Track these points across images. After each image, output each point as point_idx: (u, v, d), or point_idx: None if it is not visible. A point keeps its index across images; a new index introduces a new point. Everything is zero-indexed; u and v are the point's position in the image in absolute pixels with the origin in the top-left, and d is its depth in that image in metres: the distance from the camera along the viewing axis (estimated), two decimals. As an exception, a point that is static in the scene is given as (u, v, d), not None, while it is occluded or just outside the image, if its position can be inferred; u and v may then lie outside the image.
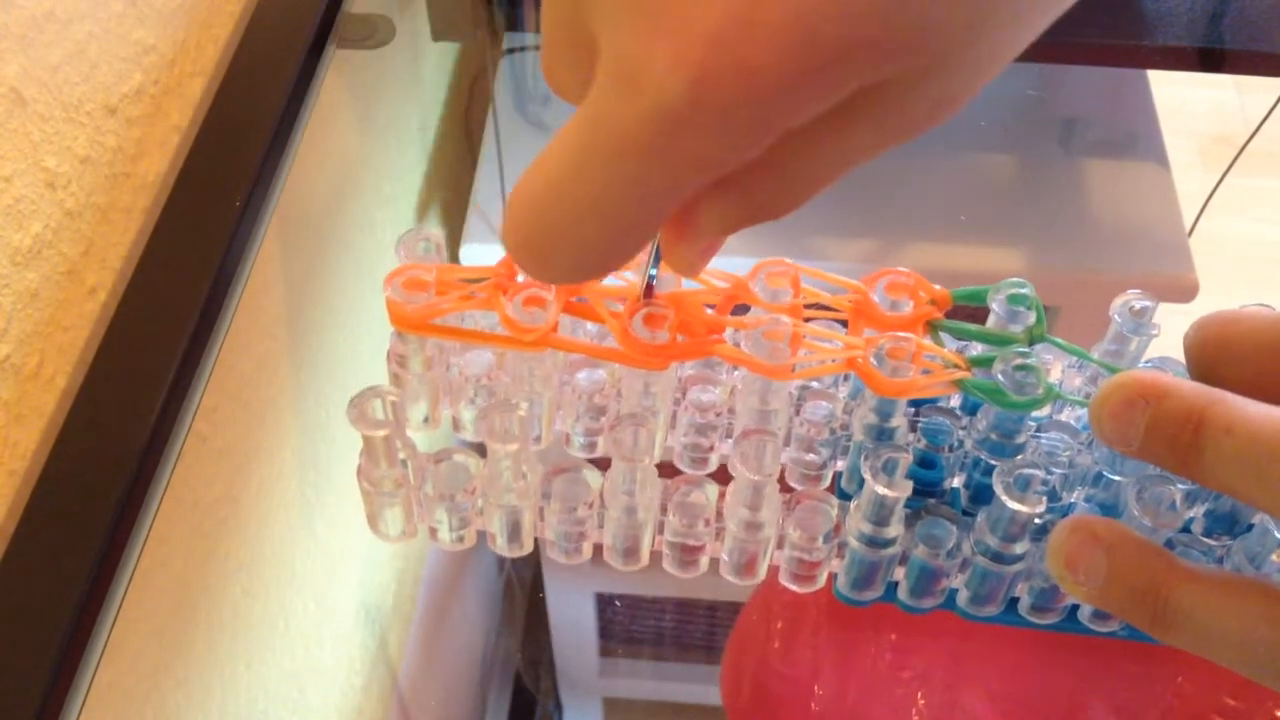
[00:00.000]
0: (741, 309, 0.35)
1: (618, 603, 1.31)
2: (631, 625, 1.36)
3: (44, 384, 0.45)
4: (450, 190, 1.02)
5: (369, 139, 0.80)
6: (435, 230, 0.36)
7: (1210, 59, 0.74)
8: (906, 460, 0.34)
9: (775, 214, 0.25)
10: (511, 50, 0.97)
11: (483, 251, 0.89)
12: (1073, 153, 0.97)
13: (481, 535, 0.38)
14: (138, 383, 0.46)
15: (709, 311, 0.34)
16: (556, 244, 0.24)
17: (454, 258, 1.02)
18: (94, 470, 0.44)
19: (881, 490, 0.34)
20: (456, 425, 0.39)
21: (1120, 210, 0.92)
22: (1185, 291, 0.88)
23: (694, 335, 0.33)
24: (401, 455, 0.35)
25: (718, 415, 0.37)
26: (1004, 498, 0.33)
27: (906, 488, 0.34)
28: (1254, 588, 0.26)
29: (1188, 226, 0.92)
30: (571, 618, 1.28)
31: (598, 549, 0.37)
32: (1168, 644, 0.27)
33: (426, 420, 0.38)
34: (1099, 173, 0.95)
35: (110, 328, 0.47)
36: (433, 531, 0.37)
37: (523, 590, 1.42)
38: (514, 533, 0.36)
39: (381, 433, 0.34)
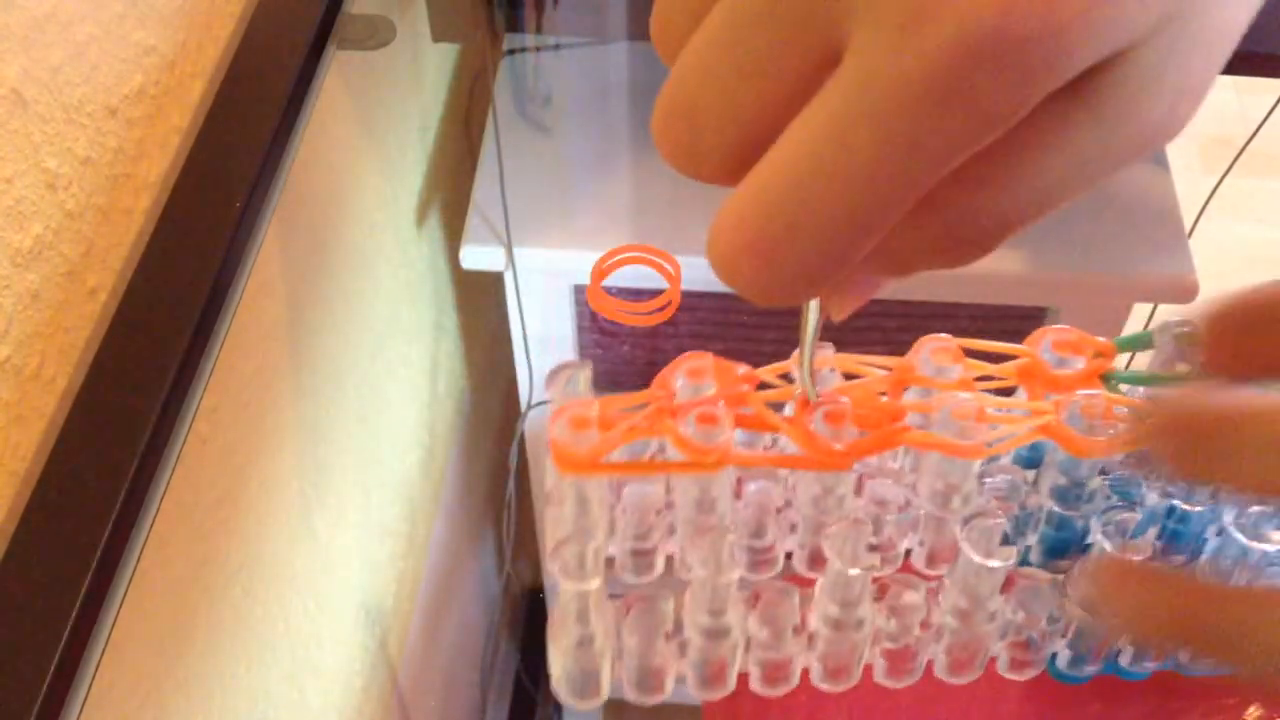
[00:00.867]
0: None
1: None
2: (631, 626, 1.36)
3: (44, 385, 0.45)
4: (450, 190, 1.02)
5: (369, 139, 0.80)
6: (584, 364, 0.33)
7: (1210, 60, 0.73)
8: (1134, 519, 0.33)
9: (966, 251, 0.22)
10: (511, 51, 0.97)
11: (483, 252, 0.89)
12: (1073, 153, 0.97)
13: None
14: (138, 383, 0.46)
15: (883, 399, 0.32)
16: (798, 234, 0.21)
17: (454, 258, 1.02)
18: (94, 470, 0.44)
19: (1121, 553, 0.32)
20: (620, 567, 0.35)
21: (1120, 210, 0.92)
22: (1185, 292, 0.88)
23: (873, 427, 0.32)
24: (599, 608, 0.33)
25: (899, 510, 0.35)
26: (1244, 539, 0.32)
27: (1146, 549, 0.32)
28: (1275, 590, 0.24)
29: (1188, 227, 0.92)
30: (571, 618, 1.28)
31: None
32: (1214, 669, 0.26)
33: (585, 566, 0.35)
34: (1099, 173, 0.95)
35: (110, 328, 0.47)
36: (629, 686, 0.34)
37: (523, 590, 1.42)
38: (718, 675, 0.34)
39: (595, 584, 0.32)
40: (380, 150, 0.83)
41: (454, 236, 1.03)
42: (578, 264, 0.89)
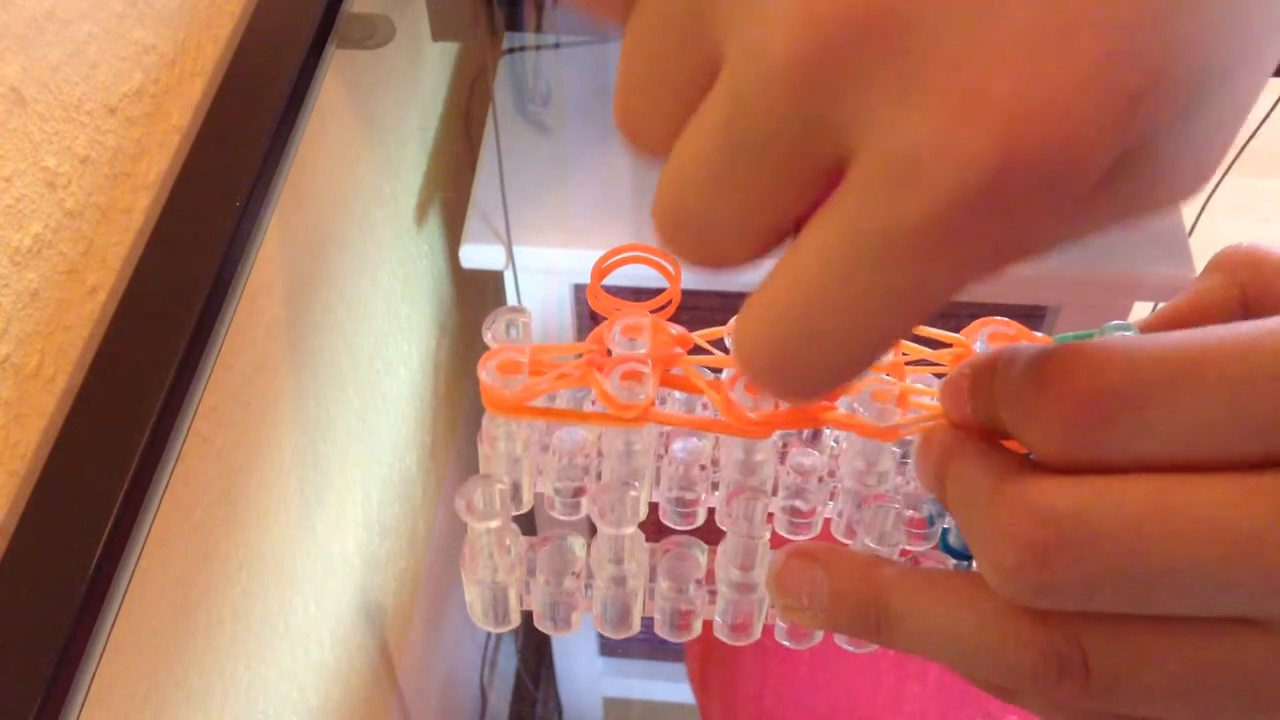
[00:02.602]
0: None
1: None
2: (631, 625, 1.36)
3: (44, 384, 0.45)
4: (450, 190, 1.02)
5: (369, 139, 0.80)
6: (524, 311, 0.35)
7: (1210, 59, 0.73)
8: None
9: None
10: (511, 50, 0.97)
11: (483, 251, 0.89)
12: (1073, 153, 0.97)
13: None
14: (138, 383, 0.46)
15: None
16: (813, 360, 0.21)
17: (454, 257, 1.02)
18: (94, 470, 0.44)
19: None
20: (550, 504, 0.38)
21: (1120, 210, 0.92)
22: (1185, 291, 0.88)
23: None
24: (508, 542, 0.35)
25: (820, 481, 0.36)
26: None
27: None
28: (959, 579, 0.25)
29: (1188, 225, 0.92)
30: (571, 618, 1.28)
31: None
32: (895, 648, 0.26)
33: (519, 501, 0.37)
34: (1099, 173, 0.95)
35: (110, 328, 0.47)
36: (538, 616, 0.36)
37: (523, 590, 1.42)
38: (622, 615, 0.36)
39: (493, 524, 0.34)
40: (380, 150, 0.83)
41: (454, 235, 1.03)
42: (578, 263, 0.89)
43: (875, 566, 0.26)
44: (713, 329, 0.33)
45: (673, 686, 1.41)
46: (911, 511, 0.35)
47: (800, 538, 0.37)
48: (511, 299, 0.93)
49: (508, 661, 1.37)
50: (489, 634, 1.30)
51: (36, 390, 0.44)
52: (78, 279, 0.46)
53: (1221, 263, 0.28)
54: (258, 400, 0.64)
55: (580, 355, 0.33)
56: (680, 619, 0.36)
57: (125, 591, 0.44)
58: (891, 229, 0.18)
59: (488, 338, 0.35)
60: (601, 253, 0.35)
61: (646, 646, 1.39)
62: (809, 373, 0.21)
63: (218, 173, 0.53)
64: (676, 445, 0.37)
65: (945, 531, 0.36)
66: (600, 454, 0.37)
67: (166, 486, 0.46)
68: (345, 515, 0.81)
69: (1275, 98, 0.91)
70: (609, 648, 1.37)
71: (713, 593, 0.35)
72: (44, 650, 0.39)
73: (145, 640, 0.53)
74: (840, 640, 0.34)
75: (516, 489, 0.37)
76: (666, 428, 0.37)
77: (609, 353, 0.33)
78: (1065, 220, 0.19)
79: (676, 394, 0.35)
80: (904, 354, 0.34)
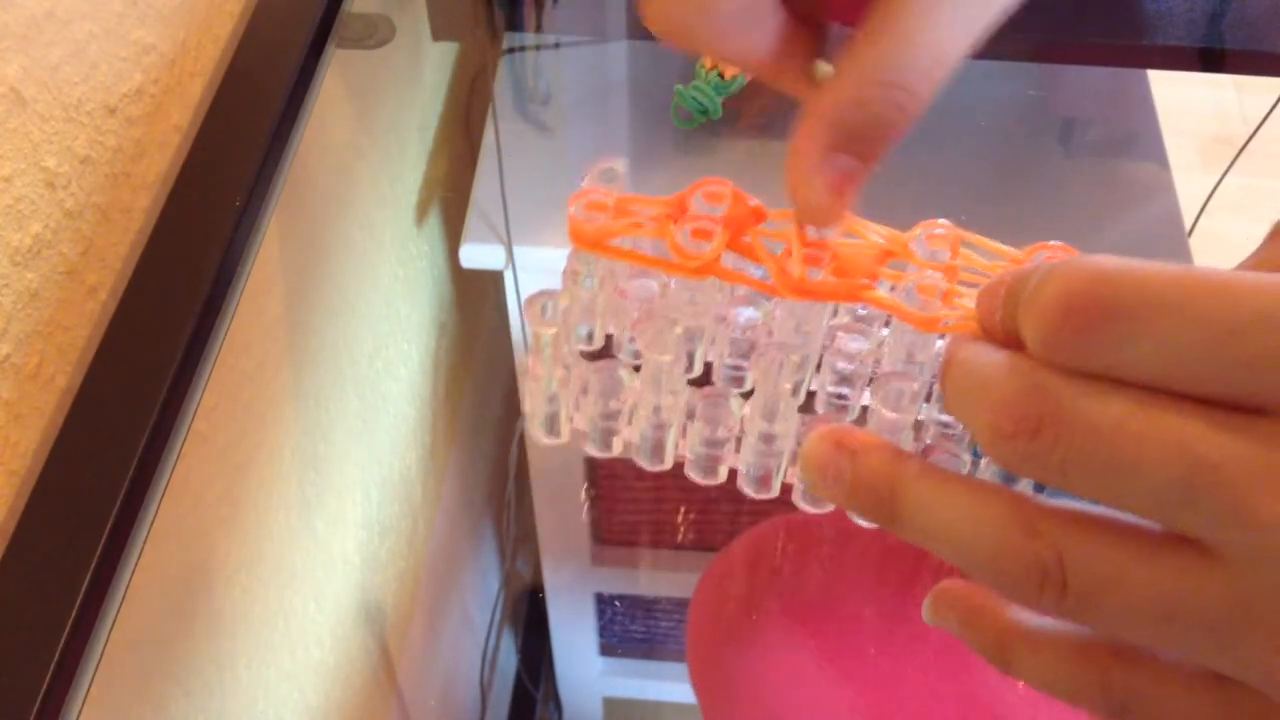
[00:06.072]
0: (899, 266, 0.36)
1: (618, 603, 1.31)
2: (631, 625, 1.36)
3: (44, 384, 0.45)
4: (450, 189, 1.02)
5: (369, 139, 0.80)
6: (621, 162, 0.37)
7: (1210, 59, 0.74)
8: None
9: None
10: (511, 50, 0.97)
11: (483, 251, 0.89)
12: (1073, 153, 0.97)
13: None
14: (138, 383, 0.46)
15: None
16: None
17: (454, 256, 1.02)
18: (94, 470, 0.44)
19: None
20: (617, 347, 0.40)
21: (1120, 210, 0.92)
22: (1185, 291, 0.88)
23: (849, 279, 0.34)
24: (567, 359, 0.37)
25: (863, 364, 0.38)
26: None
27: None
28: (968, 487, 0.27)
29: (1188, 226, 0.92)
30: (571, 618, 1.28)
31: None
32: (902, 538, 0.28)
33: (590, 338, 0.40)
34: (1099, 173, 0.95)
35: (110, 328, 0.47)
36: (582, 436, 0.38)
37: (523, 590, 1.42)
38: (656, 447, 0.38)
39: (551, 330, 0.36)
40: (380, 149, 0.83)
41: (454, 235, 1.03)
42: (578, 263, 0.89)
43: (897, 461, 0.28)
44: (789, 209, 0.35)
45: (673, 686, 1.41)
46: (951, 429, 0.37)
47: (839, 420, 0.39)
48: (511, 299, 0.93)
49: (508, 661, 1.37)
50: (489, 634, 1.30)
51: (36, 390, 0.44)
52: (78, 279, 0.46)
53: None
54: (258, 400, 0.64)
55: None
56: (709, 463, 0.38)
57: (125, 591, 0.44)
58: None
59: (585, 183, 0.37)
60: (601, 252, 0.36)
61: (646, 646, 1.39)
62: None
63: (218, 173, 0.53)
64: (738, 312, 0.39)
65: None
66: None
67: (166, 486, 0.46)
68: (345, 515, 0.81)
69: (1275, 98, 0.91)
70: (609, 648, 1.37)
71: (740, 441, 0.37)
72: (44, 650, 0.39)
73: (145, 640, 0.53)
74: (853, 518, 0.35)
75: (590, 329, 0.40)
76: (733, 292, 0.39)
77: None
78: None
79: (752, 268, 0.37)
80: (959, 259, 0.36)
